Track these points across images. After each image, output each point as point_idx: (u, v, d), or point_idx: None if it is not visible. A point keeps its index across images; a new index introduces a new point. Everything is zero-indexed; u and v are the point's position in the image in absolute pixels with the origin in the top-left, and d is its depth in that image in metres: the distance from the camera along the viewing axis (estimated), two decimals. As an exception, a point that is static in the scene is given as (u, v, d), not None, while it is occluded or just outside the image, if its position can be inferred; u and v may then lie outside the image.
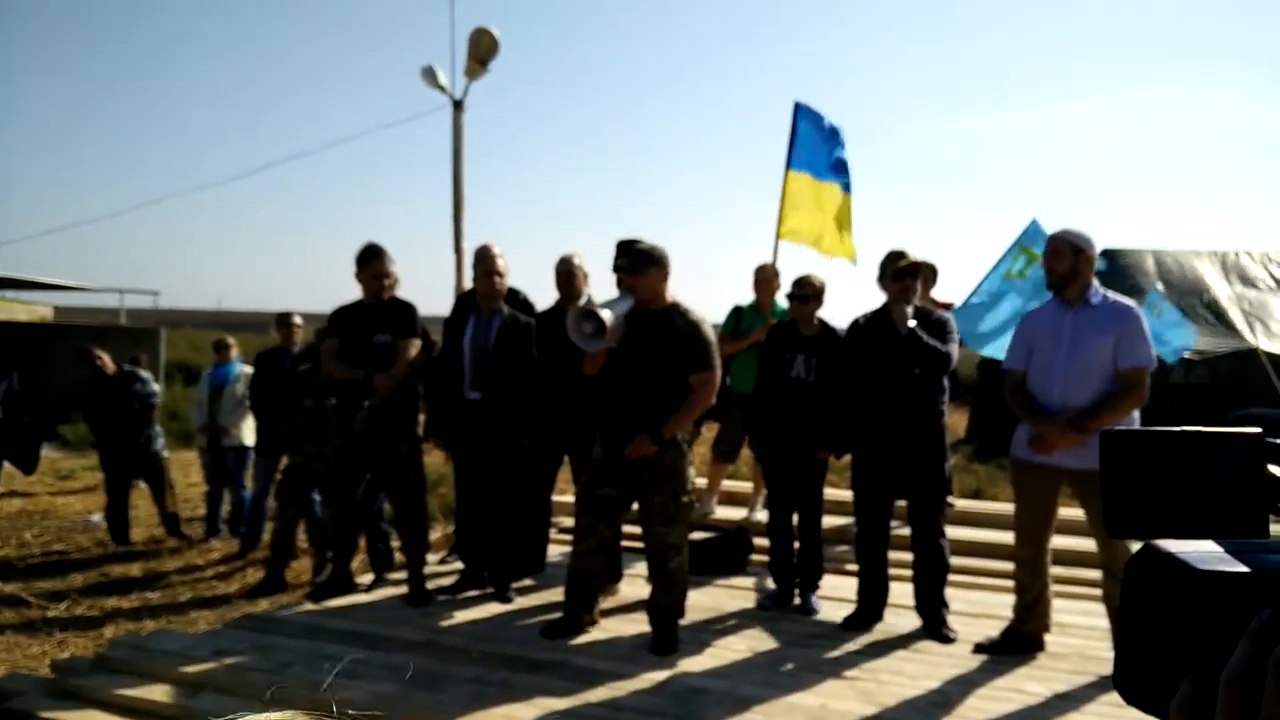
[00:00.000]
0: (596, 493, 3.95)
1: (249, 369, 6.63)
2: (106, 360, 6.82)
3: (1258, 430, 0.50)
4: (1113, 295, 3.76)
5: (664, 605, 3.97)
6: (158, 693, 3.50)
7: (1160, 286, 8.89)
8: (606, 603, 4.55)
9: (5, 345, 11.71)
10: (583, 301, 4.51)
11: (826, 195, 5.90)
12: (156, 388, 7.04)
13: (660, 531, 3.91)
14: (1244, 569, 0.46)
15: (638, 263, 3.80)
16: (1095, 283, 3.76)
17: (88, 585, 5.71)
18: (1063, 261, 3.70)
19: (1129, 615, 0.48)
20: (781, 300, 5.32)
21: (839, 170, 5.93)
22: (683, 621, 4.09)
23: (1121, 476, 0.51)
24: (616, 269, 3.89)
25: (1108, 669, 0.51)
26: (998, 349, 5.39)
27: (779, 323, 4.80)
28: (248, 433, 6.70)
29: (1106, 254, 9.10)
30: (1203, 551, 0.48)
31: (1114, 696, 0.50)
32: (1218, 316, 9.64)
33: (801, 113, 5.73)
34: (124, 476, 6.81)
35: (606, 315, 3.63)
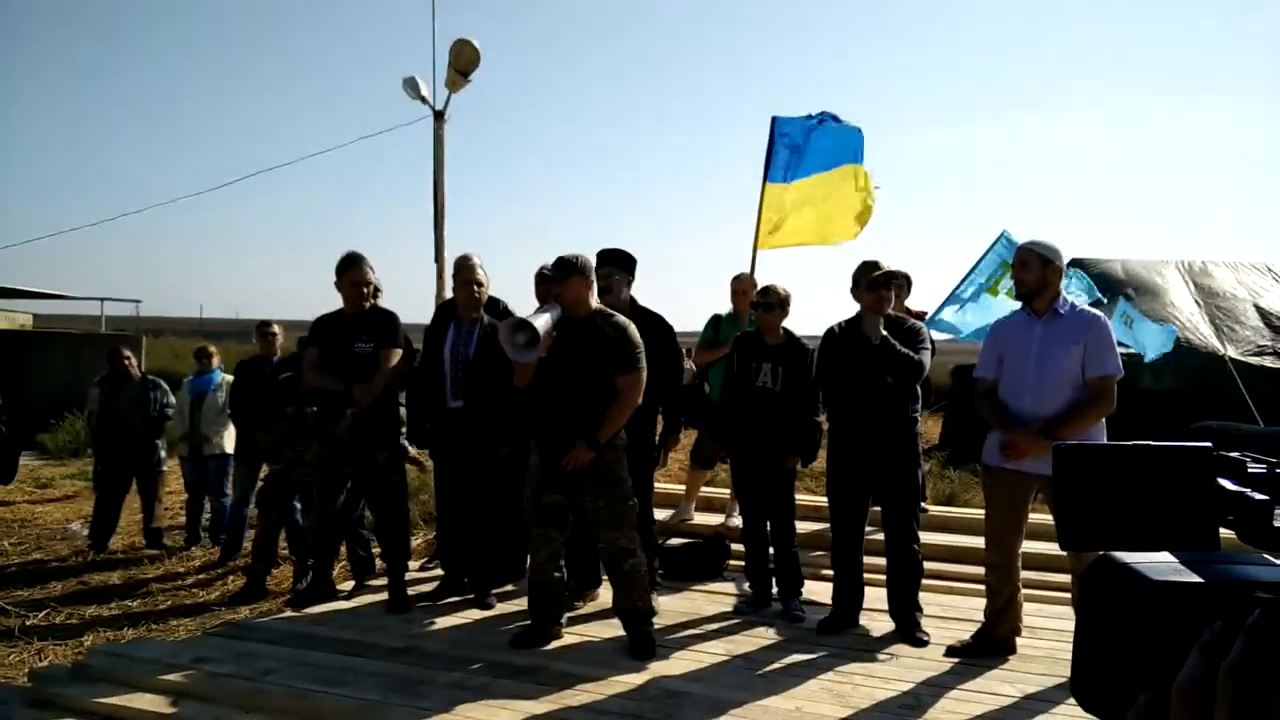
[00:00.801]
0: (541, 501, 3.97)
1: (230, 377, 6.63)
2: (133, 363, 6.94)
3: (1207, 445, 0.51)
4: (1080, 305, 3.85)
5: (629, 608, 3.99)
6: (137, 701, 3.51)
7: (1130, 293, 9.01)
8: (585, 608, 4.60)
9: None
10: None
11: (827, 185, 5.95)
12: (173, 400, 7.05)
13: (608, 536, 3.92)
14: (1197, 580, 0.47)
15: (561, 272, 3.86)
16: (1064, 293, 3.85)
17: (67, 593, 5.69)
18: (1031, 272, 3.78)
19: (1085, 624, 0.50)
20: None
21: (840, 154, 5.96)
22: (660, 626, 4.14)
23: (1074, 489, 0.53)
24: (540, 277, 3.90)
25: None
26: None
27: (745, 333, 4.85)
28: (229, 441, 6.70)
29: (1077, 263, 9.22)
30: (1157, 562, 0.49)
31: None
32: (1183, 324, 9.76)
33: (779, 124, 5.82)
34: (120, 482, 6.80)
35: (540, 323, 3.67)
